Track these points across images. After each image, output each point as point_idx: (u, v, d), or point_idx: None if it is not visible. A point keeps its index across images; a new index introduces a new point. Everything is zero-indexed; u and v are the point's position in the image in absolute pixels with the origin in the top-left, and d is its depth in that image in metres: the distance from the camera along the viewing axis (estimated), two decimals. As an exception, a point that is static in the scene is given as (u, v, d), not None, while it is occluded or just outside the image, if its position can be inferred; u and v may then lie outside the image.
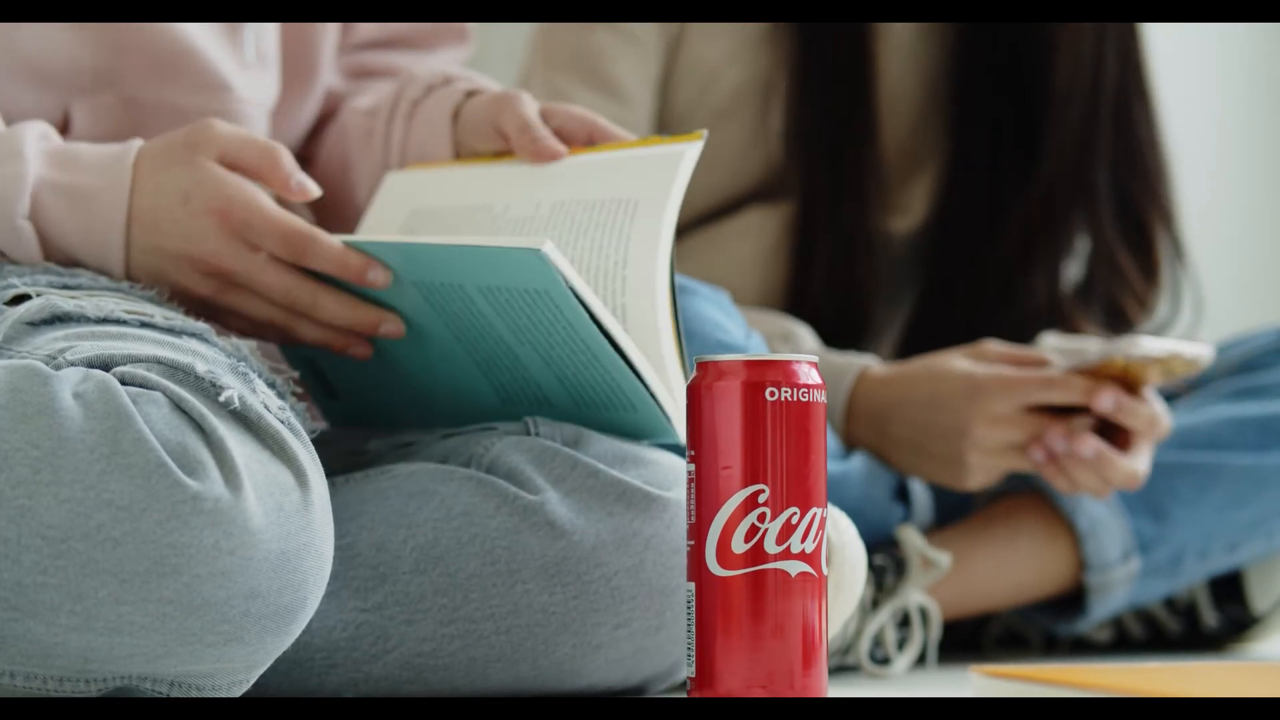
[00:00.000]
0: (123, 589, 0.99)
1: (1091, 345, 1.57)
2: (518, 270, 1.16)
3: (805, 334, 1.62)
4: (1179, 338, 1.76)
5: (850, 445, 1.56)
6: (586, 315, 1.17)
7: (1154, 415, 1.51)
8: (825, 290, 1.73)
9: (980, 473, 1.53)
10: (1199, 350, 1.50)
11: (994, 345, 1.55)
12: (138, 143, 1.23)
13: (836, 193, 1.73)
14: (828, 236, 1.73)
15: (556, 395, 1.24)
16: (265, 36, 1.38)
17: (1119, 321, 1.77)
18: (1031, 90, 1.76)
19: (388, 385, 1.30)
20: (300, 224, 1.21)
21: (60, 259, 1.22)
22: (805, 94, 1.72)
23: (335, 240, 1.22)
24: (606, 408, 1.23)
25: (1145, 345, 1.47)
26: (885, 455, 1.56)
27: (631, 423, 1.24)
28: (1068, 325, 1.75)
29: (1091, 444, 1.49)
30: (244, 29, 1.35)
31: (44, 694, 1.02)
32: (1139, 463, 1.51)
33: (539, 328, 1.20)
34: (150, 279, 1.23)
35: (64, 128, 1.32)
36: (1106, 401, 1.49)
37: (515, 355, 1.23)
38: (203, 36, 1.34)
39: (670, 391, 1.22)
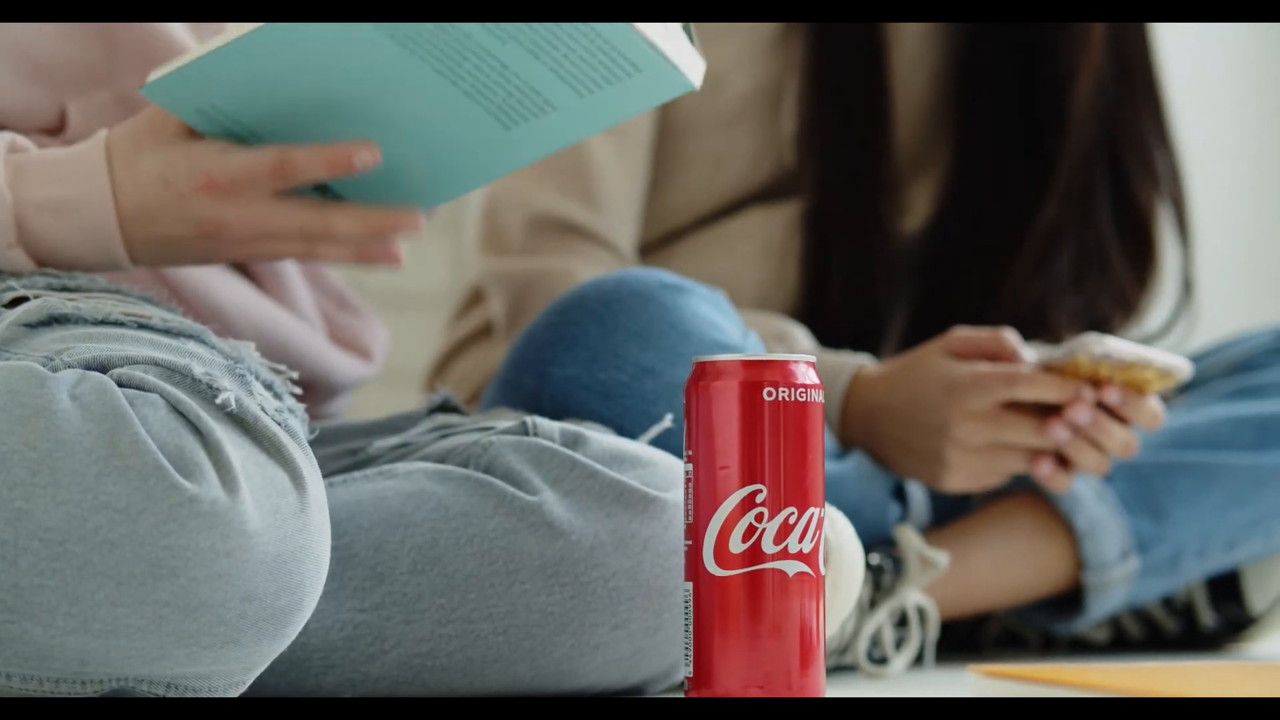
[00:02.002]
0: (119, 591, 0.99)
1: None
2: None
3: (800, 334, 1.62)
4: (1167, 349, 1.75)
5: (846, 445, 1.56)
6: None
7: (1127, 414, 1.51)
8: (844, 289, 1.73)
9: (961, 471, 1.52)
10: (1174, 362, 1.48)
11: (963, 332, 1.55)
12: (102, 138, 1.22)
13: (853, 192, 1.73)
14: (845, 236, 1.73)
15: (556, 92, 1.20)
16: None
17: (1102, 327, 1.77)
18: (1038, 92, 1.76)
19: (386, 167, 1.25)
20: (274, 155, 1.20)
21: (62, 265, 1.22)
22: (820, 94, 1.71)
23: (308, 150, 1.20)
24: (610, 80, 1.19)
25: (1109, 345, 1.46)
26: (876, 454, 1.56)
27: (640, 87, 1.19)
28: (1054, 329, 1.75)
29: (1085, 411, 1.49)
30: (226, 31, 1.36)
31: (40, 695, 1.02)
32: (1131, 432, 1.51)
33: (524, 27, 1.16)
34: (163, 264, 1.24)
35: (60, 124, 1.32)
36: (1112, 396, 1.49)
37: (502, 64, 1.18)
38: (189, 37, 1.34)
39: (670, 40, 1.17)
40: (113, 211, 1.20)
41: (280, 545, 1.03)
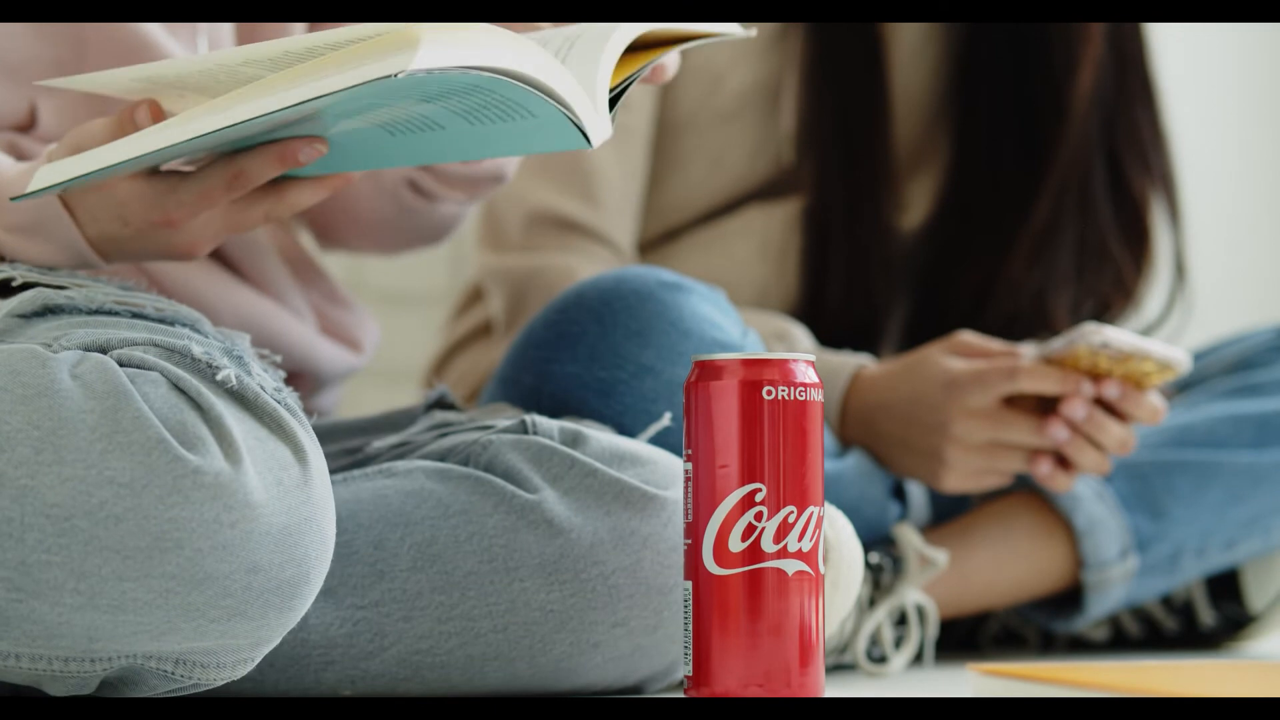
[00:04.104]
0: (125, 565, 1.00)
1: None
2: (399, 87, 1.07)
3: (801, 333, 1.62)
4: (1165, 339, 1.76)
5: (846, 444, 1.56)
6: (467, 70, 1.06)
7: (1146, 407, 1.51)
8: (843, 286, 1.73)
9: (959, 469, 1.52)
10: (1174, 354, 1.48)
11: (968, 336, 1.55)
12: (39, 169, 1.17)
13: (852, 190, 1.73)
14: (844, 234, 1.73)
15: (447, 120, 1.15)
16: (220, 36, 1.37)
17: (1103, 315, 1.77)
18: (1037, 85, 1.75)
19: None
20: (226, 170, 1.15)
21: (40, 267, 1.21)
22: (819, 91, 1.71)
23: (257, 155, 1.15)
24: (503, 119, 1.14)
25: (1108, 335, 1.46)
26: (876, 453, 1.56)
27: (537, 130, 1.14)
28: (1054, 320, 1.75)
29: (1081, 407, 1.49)
30: (198, 28, 1.35)
31: (49, 675, 1.03)
32: (1130, 429, 1.51)
33: (418, 91, 1.10)
34: (141, 262, 1.23)
35: (31, 121, 1.31)
36: (1111, 390, 1.49)
37: (389, 107, 1.13)
38: (162, 33, 1.33)
39: (592, 93, 1.11)
40: (79, 234, 1.18)
41: (285, 517, 1.03)
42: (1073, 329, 1.51)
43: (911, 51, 1.77)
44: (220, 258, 1.40)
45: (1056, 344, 1.48)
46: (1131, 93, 1.76)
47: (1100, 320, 1.76)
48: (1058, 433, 1.49)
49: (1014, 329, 1.72)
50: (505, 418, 1.28)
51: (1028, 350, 1.52)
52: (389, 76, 1.03)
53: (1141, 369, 1.49)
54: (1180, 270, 1.78)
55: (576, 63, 1.12)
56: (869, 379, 1.56)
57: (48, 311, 1.14)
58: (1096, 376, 1.50)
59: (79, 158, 1.11)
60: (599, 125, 1.11)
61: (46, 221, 1.18)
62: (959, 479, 1.52)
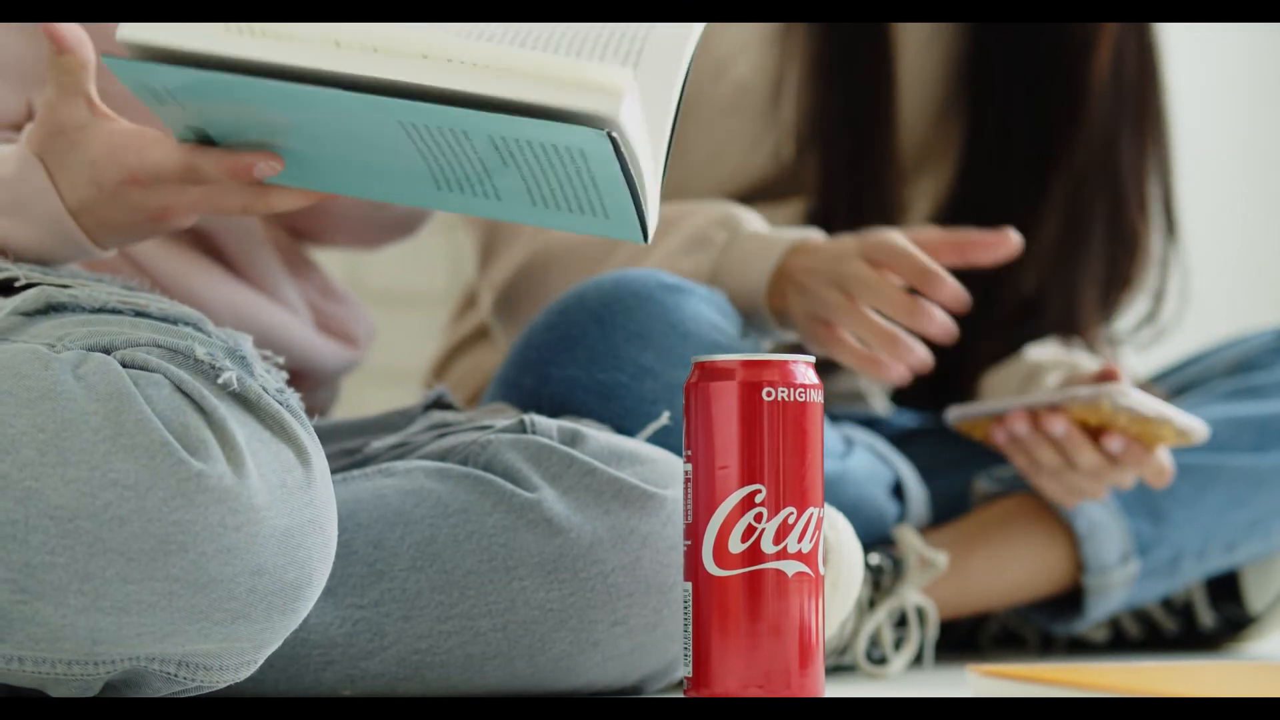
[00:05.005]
0: (130, 567, 1.00)
1: (1082, 390, 1.54)
2: (563, 134, 1.02)
3: (747, 214, 1.56)
4: (1168, 316, 1.76)
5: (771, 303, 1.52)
6: (619, 165, 1.03)
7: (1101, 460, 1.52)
8: None
9: (830, 315, 1.46)
10: (1193, 424, 1.49)
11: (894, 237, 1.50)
12: (24, 144, 1.19)
13: (857, 187, 1.72)
14: (847, 233, 1.72)
15: (512, 193, 1.12)
16: None
17: (1120, 289, 1.75)
18: (1051, 69, 1.75)
19: (305, 166, 1.17)
20: (182, 159, 1.15)
21: (36, 261, 1.21)
22: (824, 85, 1.70)
23: (215, 157, 1.14)
24: (574, 211, 1.12)
25: (1134, 399, 1.47)
26: (777, 300, 1.50)
27: (597, 224, 1.13)
28: (1078, 308, 1.74)
29: (1060, 423, 1.49)
30: None
31: (52, 678, 1.03)
32: (1124, 475, 1.52)
33: (534, 156, 1.08)
34: (131, 243, 1.23)
35: (29, 118, 1.31)
36: (1114, 444, 1.50)
37: (484, 167, 1.11)
38: None
39: (655, 179, 1.10)
40: (60, 204, 1.18)
41: (288, 519, 1.04)
42: (1102, 385, 1.50)
43: (921, 41, 1.76)
44: (216, 254, 1.40)
45: (1081, 393, 1.48)
46: (1143, 66, 1.75)
47: (1122, 284, 1.75)
48: (1016, 427, 1.50)
49: (1022, 325, 1.71)
50: (504, 417, 1.28)
51: (1052, 379, 1.53)
52: (592, 121, 0.99)
53: (1159, 432, 1.49)
54: (1171, 228, 1.76)
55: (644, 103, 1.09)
56: (809, 247, 1.51)
57: (50, 309, 1.14)
58: (1108, 427, 1.50)
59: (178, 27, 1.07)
60: (655, 219, 1.11)
61: (30, 198, 1.18)
62: (834, 332, 1.46)
